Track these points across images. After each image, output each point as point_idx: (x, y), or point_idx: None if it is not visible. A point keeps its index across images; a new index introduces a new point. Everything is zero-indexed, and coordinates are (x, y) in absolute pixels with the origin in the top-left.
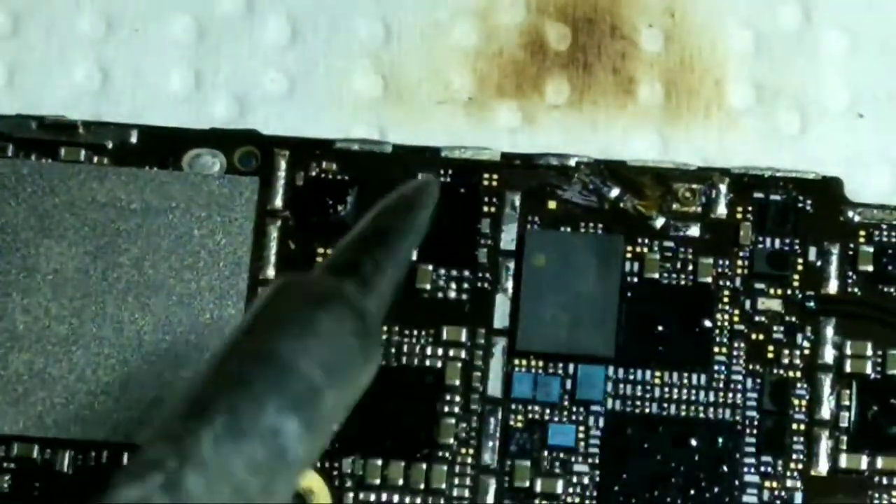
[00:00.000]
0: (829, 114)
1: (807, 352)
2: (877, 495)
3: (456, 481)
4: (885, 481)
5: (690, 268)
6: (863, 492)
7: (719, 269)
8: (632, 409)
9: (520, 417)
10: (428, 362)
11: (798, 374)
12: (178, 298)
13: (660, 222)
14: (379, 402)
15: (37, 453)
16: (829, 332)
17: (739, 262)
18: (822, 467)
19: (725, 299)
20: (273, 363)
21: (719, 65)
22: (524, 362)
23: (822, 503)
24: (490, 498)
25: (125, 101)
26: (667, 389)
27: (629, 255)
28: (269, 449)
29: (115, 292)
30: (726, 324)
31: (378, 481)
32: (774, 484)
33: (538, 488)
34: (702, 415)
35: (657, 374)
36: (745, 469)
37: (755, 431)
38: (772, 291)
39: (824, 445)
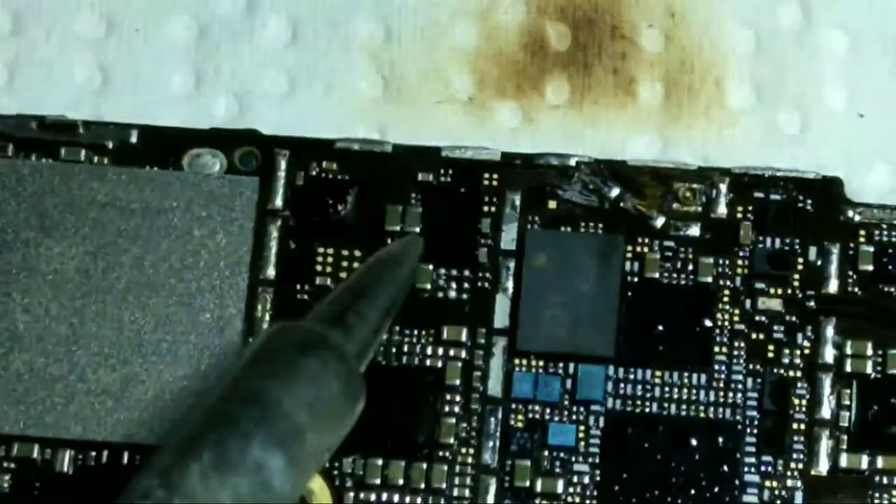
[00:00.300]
0: (829, 114)
1: (807, 351)
2: (877, 495)
3: (456, 481)
4: (885, 481)
5: (691, 267)
6: (863, 491)
7: (720, 269)
8: (632, 408)
9: (520, 417)
10: (428, 362)
11: (798, 373)
12: (179, 298)
13: (660, 222)
14: (379, 401)
15: (37, 453)
16: (830, 331)
17: (740, 262)
18: (823, 467)
19: (726, 299)
20: (259, 403)
21: (719, 64)
22: (524, 362)
23: (823, 503)
24: (490, 498)
25: (125, 101)
26: (667, 389)
27: (629, 255)
28: (255, 482)
29: (116, 292)
30: (727, 323)
31: (378, 481)
32: (775, 483)
33: (538, 488)
34: (702, 414)
35: (657, 373)
36: (746, 468)
37: (755, 431)
38: (772, 291)
39: (825, 445)
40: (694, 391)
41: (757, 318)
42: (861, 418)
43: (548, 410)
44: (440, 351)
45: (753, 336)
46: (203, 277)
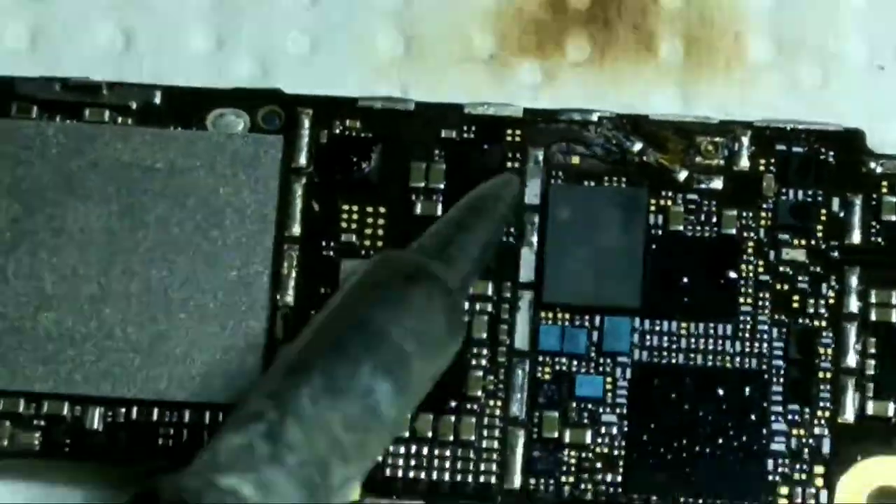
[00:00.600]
0: (849, 66)
1: (832, 301)
2: None
3: (485, 433)
4: None
5: (714, 220)
6: (890, 438)
7: (743, 221)
8: (658, 359)
9: (547, 369)
10: None
11: (823, 323)
12: (205, 256)
13: (683, 175)
14: None
15: (67, 410)
16: (854, 281)
17: (763, 214)
18: (849, 415)
19: (750, 250)
20: (368, 330)
21: (739, 19)
22: (550, 315)
23: (850, 450)
24: (519, 449)
25: (148, 63)
26: (693, 340)
27: (653, 208)
28: (363, 407)
29: (143, 251)
30: (751, 275)
31: (407, 434)
32: (802, 432)
33: (567, 438)
34: (728, 365)
35: (683, 325)
36: (773, 417)
37: (782, 380)
38: (796, 242)
39: (850, 393)
40: (720, 342)
41: (781, 269)
42: (886, 366)
43: (574, 362)
44: (466, 305)
45: (778, 287)
46: (229, 235)
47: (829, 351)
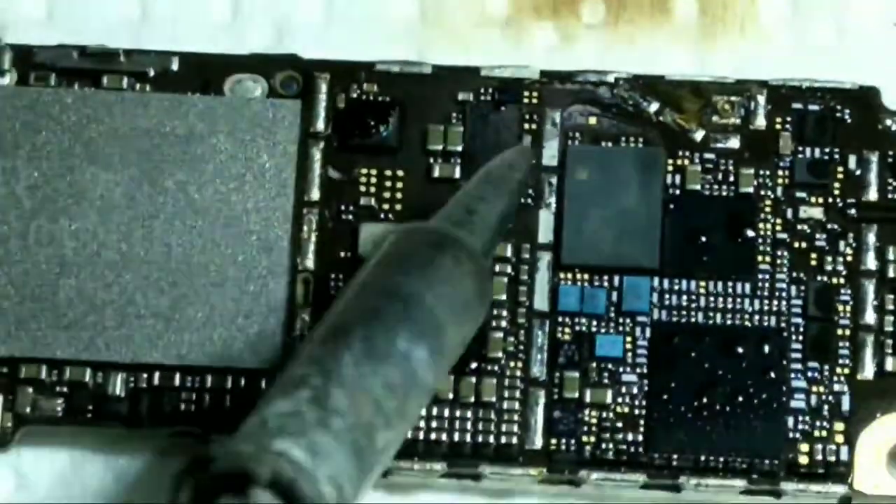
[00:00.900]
0: (864, 24)
1: (849, 258)
2: None
3: (506, 394)
4: None
5: (731, 179)
6: None
7: (760, 180)
8: (678, 318)
9: (567, 330)
10: None
11: (842, 280)
12: (225, 221)
13: (699, 135)
14: None
15: (89, 377)
16: (871, 238)
17: (780, 173)
18: (868, 371)
19: (767, 209)
20: (402, 298)
21: None
22: (570, 276)
23: (870, 406)
24: (540, 409)
25: (165, 30)
26: (712, 299)
27: (670, 168)
28: (402, 371)
29: (163, 216)
30: (769, 233)
31: None
32: (822, 389)
33: (588, 398)
34: (748, 323)
35: (702, 284)
36: (793, 375)
37: (801, 338)
38: (813, 200)
39: (870, 350)
40: (739, 300)
41: (799, 227)
42: None
43: (594, 323)
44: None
45: (796, 245)
46: (248, 200)
47: (848, 308)
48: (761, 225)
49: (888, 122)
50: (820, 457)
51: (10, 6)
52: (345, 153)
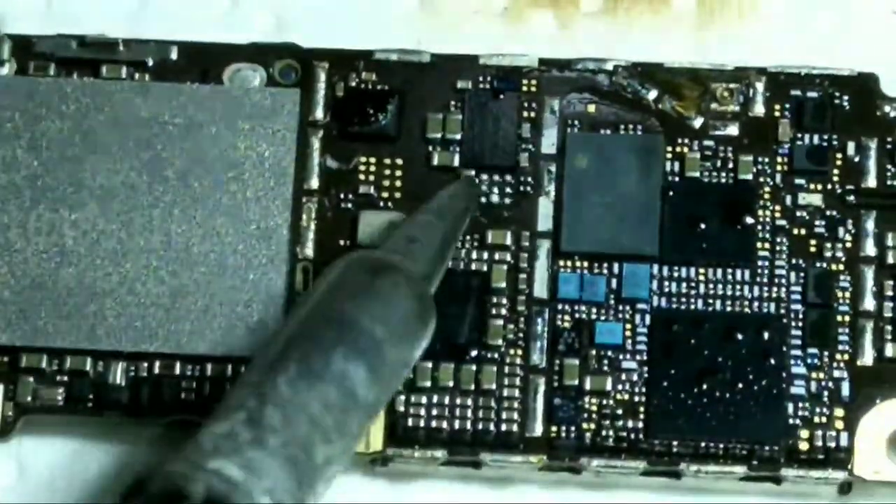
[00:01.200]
0: (862, 11)
1: (848, 245)
2: None
3: (506, 381)
4: None
5: (730, 166)
6: None
7: (759, 167)
8: (677, 306)
9: (566, 317)
10: (474, 266)
11: (841, 266)
12: (225, 210)
13: (698, 122)
14: None
15: (89, 366)
16: (870, 224)
17: (779, 159)
18: (868, 358)
19: (766, 195)
20: (338, 320)
21: None
22: (569, 263)
23: (869, 392)
24: (540, 397)
25: (163, 19)
26: (711, 286)
27: (669, 155)
28: (339, 390)
29: (162, 205)
30: (768, 220)
31: (428, 384)
32: (821, 375)
33: (588, 386)
34: (747, 310)
35: (701, 271)
36: (792, 361)
37: (801, 324)
38: (812, 187)
39: (869, 336)
40: (738, 287)
41: (798, 213)
42: None
43: (594, 310)
44: (485, 255)
45: (795, 231)
46: (248, 189)
47: (847, 294)
48: (760, 212)
49: (887, 108)
50: (820, 443)
51: None
52: (344, 142)
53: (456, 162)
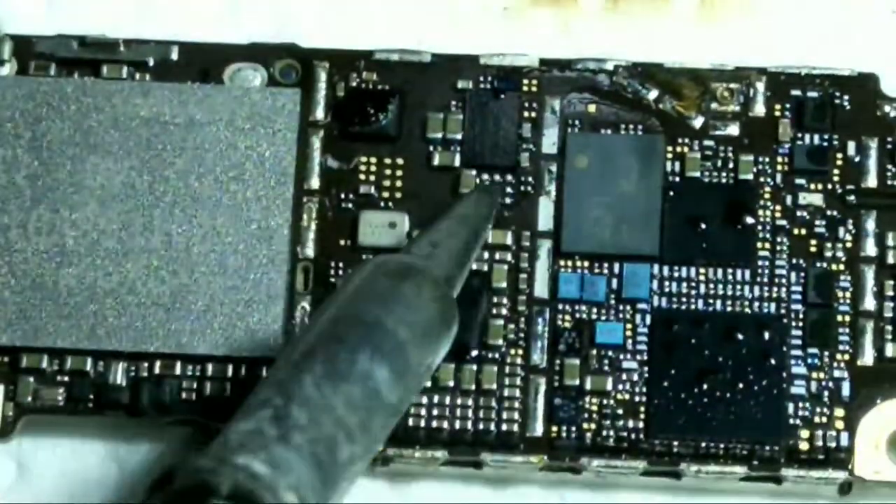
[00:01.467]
0: (863, 11)
1: (849, 245)
2: None
3: (506, 381)
4: None
5: (731, 166)
6: None
7: (759, 167)
8: (678, 305)
9: (567, 317)
10: (475, 266)
11: (841, 266)
12: (226, 209)
13: (699, 122)
14: None
15: (90, 366)
16: (871, 224)
17: (779, 159)
18: (868, 357)
19: (767, 195)
20: (363, 323)
21: None
22: (570, 263)
23: (870, 392)
24: (541, 396)
25: (164, 19)
26: (712, 286)
27: (670, 155)
28: (364, 390)
29: (163, 205)
30: (768, 220)
31: (429, 383)
32: (822, 375)
33: (588, 386)
34: (747, 310)
35: (702, 270)
36: (793, 361)
37: (801, 324)
38: (812, 187)
39: (869, 336)
40: (738, 287)
41: (798, 213)
42: None
43: (594, 310)
44: (486, 255)
45: (795, 231)
46: (249, 189)
47: (847, 294)
48: (761, 212)
49: (887, 108)
50: (820, 443)
51: None
52: (344, 141)
53: (456, 162)
